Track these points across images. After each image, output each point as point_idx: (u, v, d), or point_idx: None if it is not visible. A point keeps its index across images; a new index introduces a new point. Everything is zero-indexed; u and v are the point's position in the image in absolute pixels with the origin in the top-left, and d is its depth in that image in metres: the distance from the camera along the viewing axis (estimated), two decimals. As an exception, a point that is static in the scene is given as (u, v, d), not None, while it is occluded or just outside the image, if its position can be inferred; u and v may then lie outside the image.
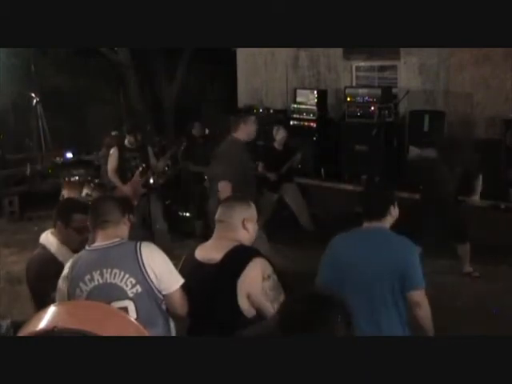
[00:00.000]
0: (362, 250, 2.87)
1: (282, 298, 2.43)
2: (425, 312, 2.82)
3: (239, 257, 2.47)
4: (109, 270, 2.54)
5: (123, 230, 2.73)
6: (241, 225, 2.57)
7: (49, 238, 3.21)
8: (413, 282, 2.77)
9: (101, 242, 2.64)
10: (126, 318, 1.42)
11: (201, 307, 2.53)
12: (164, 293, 2.59)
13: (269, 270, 2.44)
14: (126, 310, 2.49)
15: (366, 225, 2.98)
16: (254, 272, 2.41)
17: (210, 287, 2.46)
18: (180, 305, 2.62)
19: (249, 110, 9.45)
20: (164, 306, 2.67)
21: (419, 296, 2.79)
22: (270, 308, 2.40)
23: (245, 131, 4.69)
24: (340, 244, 3.03)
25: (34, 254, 3.28)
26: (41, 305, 2.96)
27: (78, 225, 3.04)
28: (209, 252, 2.56)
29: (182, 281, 2.58)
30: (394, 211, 2.95)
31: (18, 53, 9.92)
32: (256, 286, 2.40)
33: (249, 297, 2.41)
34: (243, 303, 2.41)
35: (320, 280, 3.06)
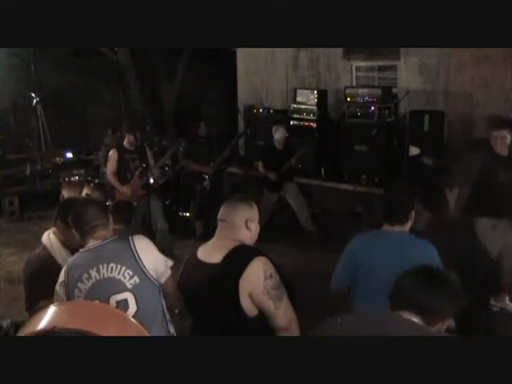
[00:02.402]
0: (386, 252, 2.83)
1: (284, 296, 2.43)
2: None
3: (241, 256, 2.46)
4: (105, 266, 2.58)
5: (110, 230, 2.80)
6: (244, 225, 2.56)
7: (50, 238, 3.21)
8: None
9: (93, 242, 2.69)
10: (126, 318, 1.42)
11: (203, 307, 2.53)
12: (162, 280, 2.71)
13: (271, 269, 2.44)
14: (126, 301, 2.56)
15: (387, 227, 2.96)
16: (255, 271, 2.40)
17: (212, 287, 2.46)
18: (175, 288, 2.75)
19: (249, 110, 9.45)
20: (161, 296, 2.76)
21: None
22: (273, 307, 2.39)
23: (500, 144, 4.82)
24: (361, 245, 3.01)
25: (33, 253, 3.28)
26: (32, 306, 2.98)
27: None
28: (210, 252, 2.55)
29: (171, 263, 2.80)
30: (413, 215, 2.95)
31: (18, 53, 9.93)
32: (258, 285, 2.39)
33: (251, 296, 2.41)
34: (245, 302, 2.41)
35: (335, 282, 3.06)
